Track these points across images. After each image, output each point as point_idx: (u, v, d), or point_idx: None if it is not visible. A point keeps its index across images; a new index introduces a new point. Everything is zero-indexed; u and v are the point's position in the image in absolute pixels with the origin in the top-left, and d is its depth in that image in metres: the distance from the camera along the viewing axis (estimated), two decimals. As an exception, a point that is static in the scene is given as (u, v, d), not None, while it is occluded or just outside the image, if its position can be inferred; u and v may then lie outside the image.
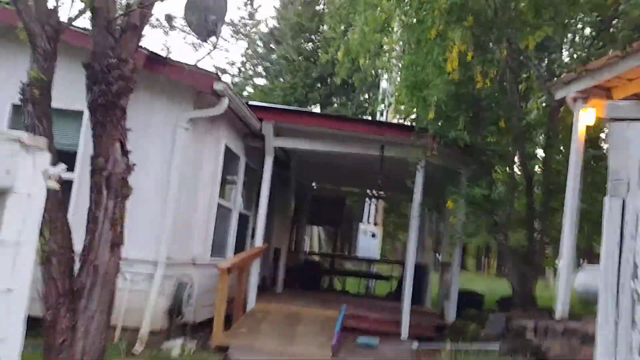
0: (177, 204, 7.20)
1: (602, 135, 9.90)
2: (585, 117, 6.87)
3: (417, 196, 9.16)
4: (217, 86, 6.91)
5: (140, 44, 4.59)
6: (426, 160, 8.85)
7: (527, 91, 9.03)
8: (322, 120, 9.20)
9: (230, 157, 9.05)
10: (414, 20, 7.89)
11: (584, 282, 13.51)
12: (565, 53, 9.34)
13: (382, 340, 8.42)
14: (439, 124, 8.13)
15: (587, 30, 8.79)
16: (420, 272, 12.61)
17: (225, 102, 7.20)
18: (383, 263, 18.56)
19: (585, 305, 9.86)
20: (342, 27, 10.44)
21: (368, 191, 16.41)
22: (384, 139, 9.19)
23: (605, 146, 11.45)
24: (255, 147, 9.62)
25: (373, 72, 10.74)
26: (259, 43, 29.65)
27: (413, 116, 8.84)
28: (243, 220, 10.42)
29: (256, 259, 9.19)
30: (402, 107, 8.72)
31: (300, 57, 25.63)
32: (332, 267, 16.75)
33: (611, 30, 7.35)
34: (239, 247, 9.75)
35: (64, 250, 4.24)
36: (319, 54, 24.94)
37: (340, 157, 11.14)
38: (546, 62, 9.40)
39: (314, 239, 20.38)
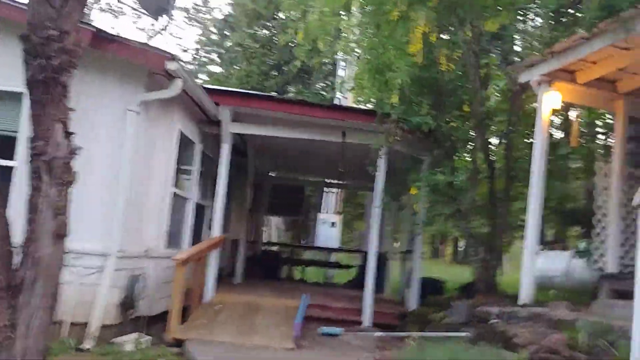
0: (129, 193, 6.81)
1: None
2: (550, 100, 6.78)
3: (380, 184, 8.97)
4: (170, 65, 6.52)
5: (84, 17, 4.20)
6: (389, 147, 8.67)
7: (488, 77, 8.94)
8: (282, 105, 8.89)
9: (185, 144, 8.67)
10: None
11: (541, 267, 13.56)
12: (522, 40, 9.25)
13: (345, 329, 8.24)
14: (402, 108, 7.94)
15: (547, 16, 8.72)
16: (381, 261, 12.51)
17: (179, 83, 6.82)
18: (343, 252, 18.45)
19: (541, 290, 9.95)
20: (300, 11, 10.13)
21: (328, 180, 16.18)
22: (346, 125, 8.96)
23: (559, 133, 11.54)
24: (212, 133, 9.26)
25: (331, 57, 10.47)
26: (213, 30, 29.01)
27: (375, 101, 8.61)
28: (200, 210, 10.05)
29: (214, 250, 8.86)
30: (364, 92, 8.47)
31: (256, 45, 25.17)
32: (292, 257, 16.51)
33: (576, 12, 7.29)
34: (197, 237, 9.39)
35: (2, 242, 3.84)
36: (275, 41, 24.58)
37: (301, 144, 10.89)
38: (503, 49, 9.29)
39: (273, 229, 20.09)
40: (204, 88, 8.46)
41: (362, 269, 13.66)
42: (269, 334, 7.23)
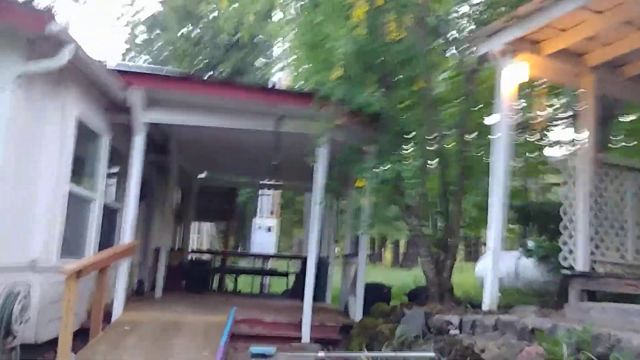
0: (4, 192, 5.38)
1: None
2: (515, 73, 5.84)
3: (320, 178, 7.84)
4: (53, 27, 5.16)
5: None
6: (329, 136, 7.57)
7: (440, 54, 7.99)
8: (203, 87, 7.58)
9: (88, 135, 7.26)
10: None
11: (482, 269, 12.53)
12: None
13: (280, 348, 7.04)
14: (344, 89, 6.84)
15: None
16: (322, 266, 11.44)
17: (66, 51, 5.46)
18: (279, 259, 17.18)
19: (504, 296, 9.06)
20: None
21: (263, 181, 14.94)
22: (281, 110, 7.79)
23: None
24: (123, 124, 7.86)
25: (264, 33, 9.29)
26: (142, 29, 27.40)
27: (313, 82, 7.46)
28: (112, 215, 8.62)
29: (124, 259, 7.47)
30: (300, 71, 7.33)
31: (186, 44, 23.82)
32: (223, 265, 15.13)
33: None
34: (107, 246, 7.95)
35: None
36: (206, 39, 23.27)
37: (230, 137, 9.65)
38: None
39: (205, 236, 18.61)
40: (109, 69, 7.09)
41: (301, 276, 12.51)
42: (188, 359, 5.93)
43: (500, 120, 6.09)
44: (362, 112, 7.25)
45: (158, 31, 26.21)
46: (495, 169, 6.12)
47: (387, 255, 39.76)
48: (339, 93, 6.87)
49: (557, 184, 7.93)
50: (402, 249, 38.40)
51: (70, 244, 6.88)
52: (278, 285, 15.36)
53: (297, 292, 12.64)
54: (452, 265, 7.78)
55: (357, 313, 8.47)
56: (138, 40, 27.38)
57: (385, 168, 6.82)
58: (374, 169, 6.89)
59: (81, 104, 6.80)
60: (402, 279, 15.47)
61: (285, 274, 14.09)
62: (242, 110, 7.88)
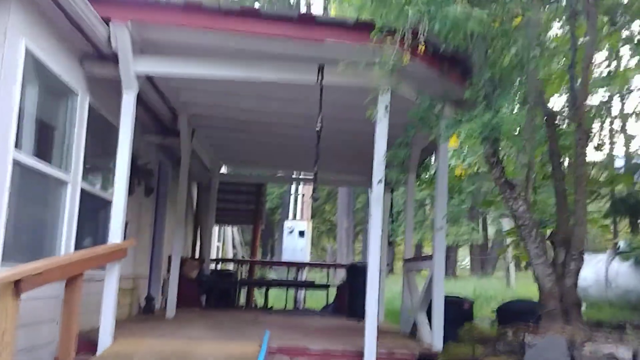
0: None
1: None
2: None
3: (380, 147, 5.55)
4: None
5: None
6: (396, 82, 5.31)
7: None
8: (220, 20, 5.26)
9: (52, 89, 5.11)
10: None
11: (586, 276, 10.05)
12: None
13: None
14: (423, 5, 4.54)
15: None
16: (366, 275, 9.18)
17: None
18: (317, 268, 14.86)
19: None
20: None
21: (297, 175, 12.67)
22: (324, 53, 5.54)
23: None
24: (112, 80, 5.68)
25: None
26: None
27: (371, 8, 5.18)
28: (98, 206, 6.45)
29: (112, 264, 5.24)
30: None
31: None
32: (251, 277, 12.84)
33: None
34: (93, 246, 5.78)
35: None
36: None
37: (256, 108, 7.49)
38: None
39: (229, 242, 16.36)
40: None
41: (346, 288, 10.20)
42: None
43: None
44: (441, 54, 5.04)
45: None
46: None
47: (460, 260, 36.60)
48: (416, 13, 4.55)
49: None
50: (460, 254, 35.64)
51: (25, 243, 4.71)
52: (315, 299, 13.04)
53: (340, 307, 10.35)
54: (578, 269, 5.38)
55: (435, 338, 6.09)
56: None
57: (484, 117, 4.49)
58: (472, 121, 4.54)
59: (35, 33, 4.61)
60: (481, 288, 12.95)
61: (325, 287, 11.73)
62: (270, 55, 5.66)
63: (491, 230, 30.16)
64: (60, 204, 5.28)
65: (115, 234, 5.33)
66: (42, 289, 4.53)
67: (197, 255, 12.09)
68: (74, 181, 5.46)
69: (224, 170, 12.30)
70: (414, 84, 5.68)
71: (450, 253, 27.03)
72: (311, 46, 5.49)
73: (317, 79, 5.60)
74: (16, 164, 4.34)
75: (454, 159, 9.53)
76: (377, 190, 5.57)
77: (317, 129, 5.57)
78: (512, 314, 6.66)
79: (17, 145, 4.39)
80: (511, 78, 5.17)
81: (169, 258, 8.96)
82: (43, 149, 5.03)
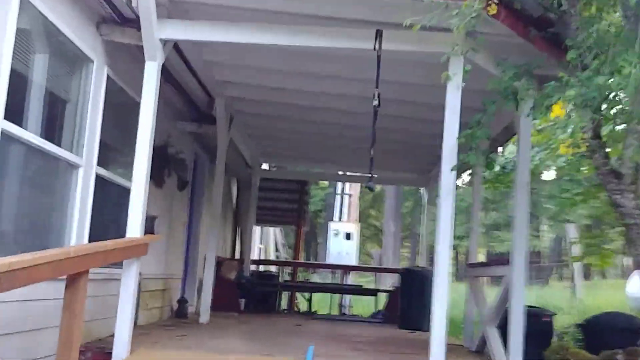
0: None
1: None
2: None
3: (452, 130, 4.57)
4: None
5: None
6: (474, 44, 4.35)
7: None
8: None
9: (61, 53, 4.33)
10: None
11: None
12: None
13: None
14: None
15: None
16: (425, 281, 8.19)
17: None
18: (367, 272, 13.88)
19: None
20: None
21: (342, 171, 11.73)
22: (383, 15, 4.61)
23: None
24: (132, 50, 4.90)
25: None
26: None
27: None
28: (125, 199, 5.65)
29: (129, 262, 4.42)
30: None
31: None
32: (294, 280, 11.96)
33: None
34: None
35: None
36: None
37: (302, 86, 6.66)
38: None
39: (271, 243, 15.54)
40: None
41: (397, 295, 9.21)
42: None
43: None
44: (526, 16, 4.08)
45: None
46: None
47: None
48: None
49: None
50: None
51: (23, 235, 3.93)
52: (361, 305, 12.07)
53: (391, 316, 9.39)
54: None
55: (512, 358, 5.05)
56: None
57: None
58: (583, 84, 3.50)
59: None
60: (538, 299, 11.72)
61: (374, 292, 10.74)
62: (319, 18, 4.77)
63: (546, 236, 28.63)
64: (69, 192, 4.50)
65: (133, 227, 4.51)
66: (44, 290, 3.77)
67: (236, 257, 11.29)
68: (87, 165, 4.68)
69: (265, 167, 11.49)
70: (491, 52, 4.69)
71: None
72: (367, 5, 4.57)
73: (375, 45, 4.67)
74: (6, 137, 3.56)
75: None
76: (448, 180, 4.58)
77: (375, 103, 4.63)
78: (605, 330, 5.55)
79: (22, 122, 3.61)
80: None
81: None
82: (48, 125, 4.26)
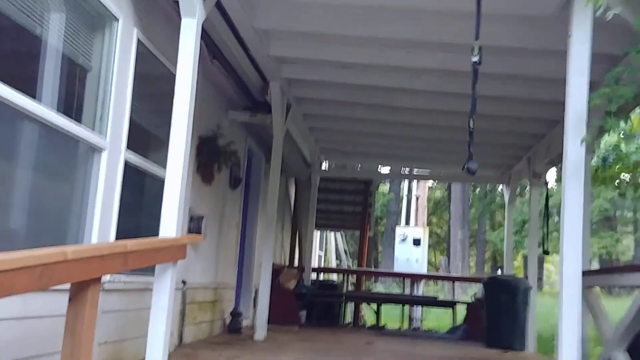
0: None
1: None
2: None
3: (580, 90, 3.44)
4: None
5: None
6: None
7: None
8: None
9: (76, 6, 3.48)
10: None
11: None
12: None
13: None
14: None
15: None
16: (516, 292, 7.08)
17: None
18: (440, 280, 12.66)
19: None
20: None
21: (408, 170, 10.60)
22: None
23: None
24: (166, 8, 4.01)
25: None
26: None
27: None
28: (155, 187, 4.76)
29: (163, 268, 3.48)
30: None
31: None
32: (358, 290, 10.88)
33: None
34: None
35: None
36: None
37: (372, 62, 5.63)
38: None
39: (332, 250, 14.52)
40: None
41: (478, 308, 8.02)
42: None
43: None
44: None
45: None
46: None
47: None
48: None
49: None
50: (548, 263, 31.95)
51: (30, 229, 3.06)
52: (434, 318, 10.88)
53: (474, 331, 8.19)
54: None
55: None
56: None
57: None
58: None
59: None
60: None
61: (451, 304, 9.53)
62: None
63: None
64: (89, 181, 3.62)
65: (168, 225, 3.56)
66: (52, 303, 2.89)
67: (295, 264, 10.34)
68: (113, 148, 3.79)
69: (325, 166, 10.51)
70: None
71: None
72: None
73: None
74: (13, 110, 2.69)
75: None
76: (575, 156, 3.44)
77: (474, 59, 3.56)
78: None
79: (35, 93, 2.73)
80: None
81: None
82: (65, 99, 3.39)
